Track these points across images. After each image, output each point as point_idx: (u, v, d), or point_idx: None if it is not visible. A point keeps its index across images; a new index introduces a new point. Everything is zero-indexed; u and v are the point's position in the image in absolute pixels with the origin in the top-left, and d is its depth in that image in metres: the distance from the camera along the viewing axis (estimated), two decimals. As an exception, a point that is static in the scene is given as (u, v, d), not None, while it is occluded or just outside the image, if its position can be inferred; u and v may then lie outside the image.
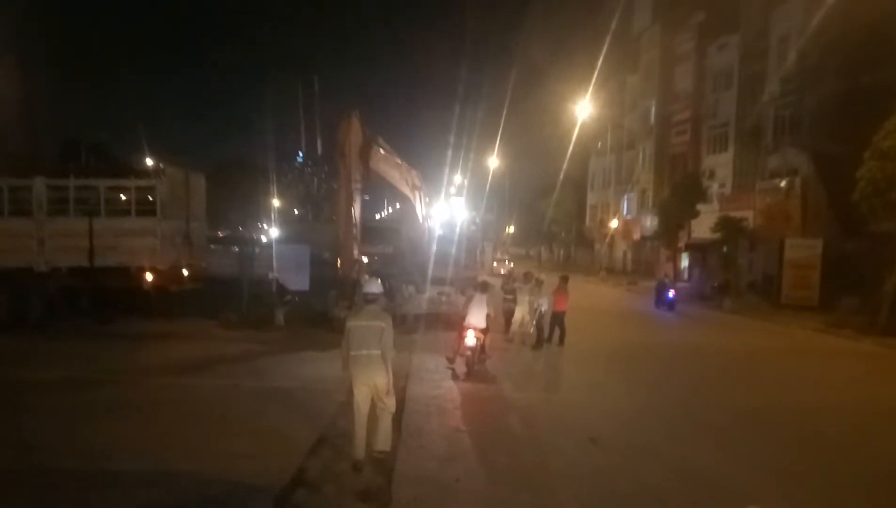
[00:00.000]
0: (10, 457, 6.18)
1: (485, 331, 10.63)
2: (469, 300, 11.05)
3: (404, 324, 14.09)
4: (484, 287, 11.63)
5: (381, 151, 15.51)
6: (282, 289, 14.11)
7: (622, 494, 5.81)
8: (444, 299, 15.41)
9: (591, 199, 51.52)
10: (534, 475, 6.19)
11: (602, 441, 7.22)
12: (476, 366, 10.47)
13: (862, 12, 21.11)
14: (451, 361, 10.69)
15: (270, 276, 14.39)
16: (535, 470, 6.31)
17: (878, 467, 6.81)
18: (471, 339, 10.34)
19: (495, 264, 36.74)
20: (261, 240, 30.45)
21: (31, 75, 28.65)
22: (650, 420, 8.33)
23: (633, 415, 8.56)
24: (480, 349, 10.58)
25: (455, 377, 10.24)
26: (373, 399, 6.17)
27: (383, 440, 6.23)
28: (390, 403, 6.27)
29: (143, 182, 14.70)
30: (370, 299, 6.58)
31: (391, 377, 6.16)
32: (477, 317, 10.50)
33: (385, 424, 6.25)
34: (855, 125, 18.85)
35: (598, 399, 9.36)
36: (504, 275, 15.27)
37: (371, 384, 6.06)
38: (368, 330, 6.08)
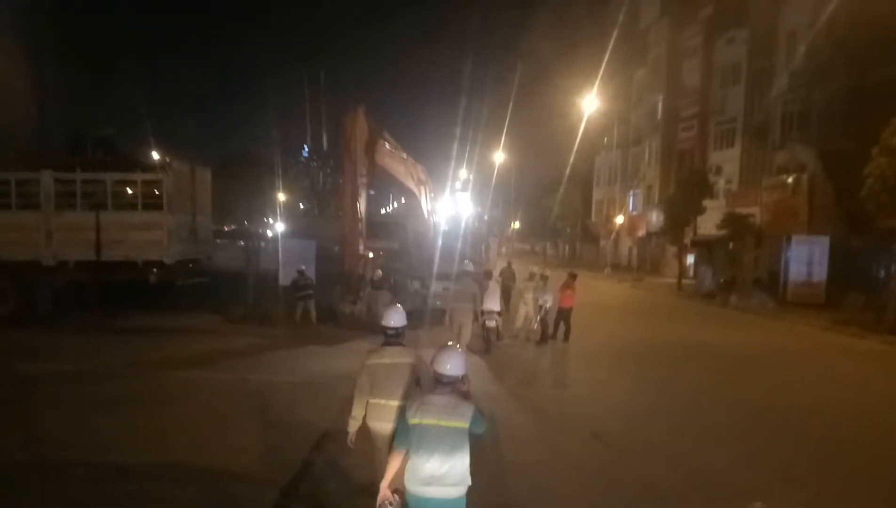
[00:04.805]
0: (18, 449, 6.24)
1: (500, 313, 12.62)
2: (484, 290, 12.64)
3: (409, 319, 14.17)
4: (489, 275, 14.66)
5: (387, 145, 15.49)
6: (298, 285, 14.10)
7: (626, 490, 5.82)
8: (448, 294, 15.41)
9: (596, 195, 51.38)
10: (537, 471, 6.21)
11: (606, 438, 7.24)
12: (497, 342, 12.55)
13: (871, 8, 20.94)
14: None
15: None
16: (539, 466, 6.32)
17: (884, 466, 6.80)
18: (491, 321, 12.16)
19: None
20: (266, 235, 30.56)
21: (39, 69, 28.75)
22: (655, 417, 8.33)
23: (637, 412, 8.56)
24: (497, 330, 12.67)
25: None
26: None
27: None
28: (467, 333, 10.80)
29: (149, 176, 14.72)
30: (465, 274, 11.30)
31: (478, 321, 10.86)
32: (492, 302, 12.22)
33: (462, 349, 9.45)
34: (863, 121, 18.73)
35: (603, 396, 9.36)
36: (504, 269, 16.06)
37: (462, 323, 10.62)
38: (463, 293, 10.89)
